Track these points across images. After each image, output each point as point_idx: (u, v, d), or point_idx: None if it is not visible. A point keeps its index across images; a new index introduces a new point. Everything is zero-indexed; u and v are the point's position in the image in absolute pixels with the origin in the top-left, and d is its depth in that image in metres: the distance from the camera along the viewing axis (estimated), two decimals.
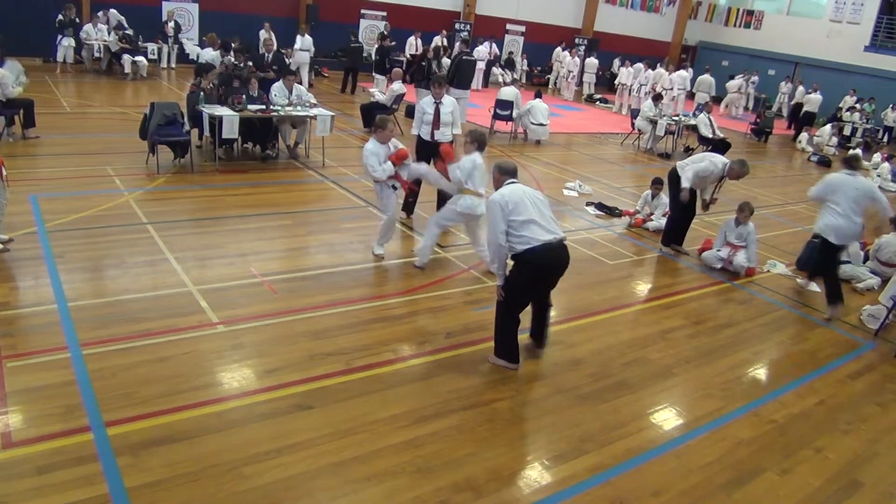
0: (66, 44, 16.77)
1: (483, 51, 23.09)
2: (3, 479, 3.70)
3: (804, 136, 20.32)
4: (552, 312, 5.98)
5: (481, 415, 4.89)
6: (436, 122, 8.48)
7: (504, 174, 5.51)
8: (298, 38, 18.54)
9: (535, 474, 4.34)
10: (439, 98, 8.50)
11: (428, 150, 8.54)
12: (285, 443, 4.29)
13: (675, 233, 9.05)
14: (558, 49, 25.90)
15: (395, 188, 7.39)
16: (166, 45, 18.87)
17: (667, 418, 5.20)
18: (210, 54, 14.33)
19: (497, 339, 5.56)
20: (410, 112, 16.48)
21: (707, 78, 22.37)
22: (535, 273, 5.30)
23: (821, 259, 7.76)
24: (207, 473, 3.94)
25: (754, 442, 5.01)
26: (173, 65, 19.19)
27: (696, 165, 8.47)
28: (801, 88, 24.15)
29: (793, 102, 24.43)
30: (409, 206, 8.95)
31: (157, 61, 18.87)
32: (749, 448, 4.92)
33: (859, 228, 7.57)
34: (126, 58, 17.12)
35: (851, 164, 7.71)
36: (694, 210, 8.92)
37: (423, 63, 16.09)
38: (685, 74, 22.13)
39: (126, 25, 17.97)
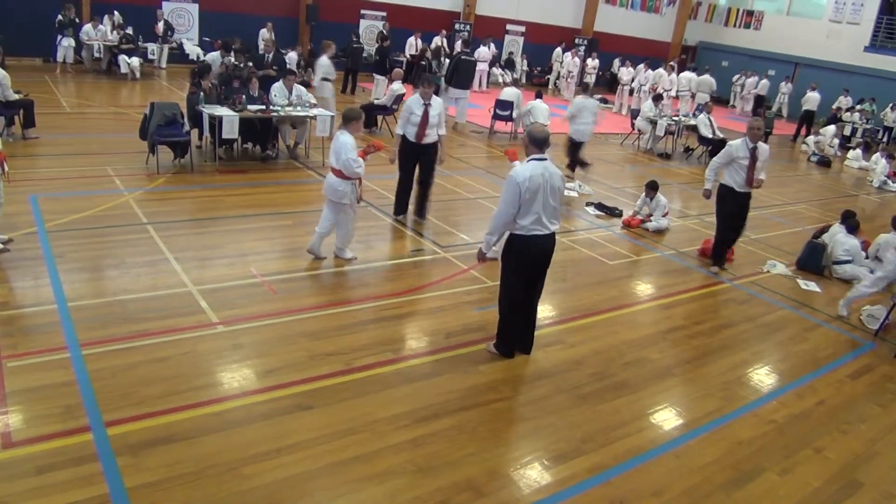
0: (66, 44, 16.74)
1: (485, 52, 23.04)
2: (3, 479, 3.70)
3: (811, 139, 20.29)
4: (540, 314, 5.97)
5: (482, 415, 4.89)
6: (424, 124, 8.28)
7: (533, 144, 5.37)
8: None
9: (536, 474, 4.35)
10: (428, 99, 8.28)
11: (415, 152, 8.46)
12: (285, 443, 4.29)
13: (717, 248, 8.59)
14: (558, 49, 25.90)
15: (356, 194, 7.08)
16: (157, 46, 18.83)
17: (667, 418, 5.20)
18: (211, 55, 14.33)
19: (499, 330, 5.73)
20: None
21: (707, 78, 22.36)
22: (522, 254, 5.42)
23: (572, 151, 12.53)
24: (207, 473, 3.94)
25: (754, 442, 5.01)
26: (163, 65, 19.10)
27: (714, 160, 8.39)
28: (765, 81, 25.89)
29: (755, 90, 26.03)
30: (421, 210, 8.90)
31: (157, 61, 18.88)
32: (749, 448, 4.92)
33: (592, 129, 12.59)
34: (122, 58, 17.11)
35: (586, 91, 13.26)
36: (736, 225, 8.42)
37: (423, 62, 16.08)
38: (689, 76, 22.12)
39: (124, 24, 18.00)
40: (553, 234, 5.43)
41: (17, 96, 10.40)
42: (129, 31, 17.77)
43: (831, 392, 5.95)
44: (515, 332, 5.72)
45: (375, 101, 14.49)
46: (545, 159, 5.36)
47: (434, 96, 8.42)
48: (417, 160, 8.57)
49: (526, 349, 5.85)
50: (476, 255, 5.72)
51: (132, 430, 4.23)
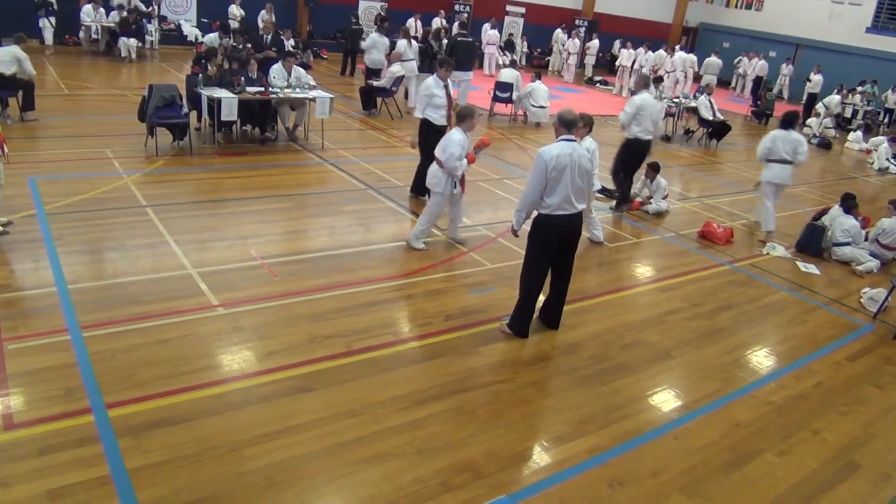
0: (43, 25, 16.53)
1: (494, 35, 22.78)
2: (4, 461, 3.72)
3: (813, 120, 20.23)
4: (539, 297, 6.00)
5: (481, 397, 4.91)
6: (449, 105, 8.37)
7: (562, 125, 5.54)
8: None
9: (535, 456, 4.37)
10: (445, 80, 8.39)
11: (439, 135, 8.38)
12: (286, 425, 4.31)
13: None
14: (558, 31, 25.75)
15: (454, 186, 7.30)
16: (151, 26, 18.71)
17: (665, 400, 5.22)
18: (209, 36, 14.25)
19: (515, 309, 5.80)
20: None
21: (714, 60, 22.26)
22: (548, 233, 5.55)
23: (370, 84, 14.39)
24: (208, 455, 3.96)
25: (752, 424, 5.03)
26: (156, 46, 18.97)
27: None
28: (762, 63, 25.70)
29: (754, 76, 25.81)
30: (421, 188, 8.86)
31: (152, 42, 18.76)
32: (747, 430, 4.95)
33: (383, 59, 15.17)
34: (122, 40, 16.99)
35: (383, 26, 15.32)
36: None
37: (422, 45, 15.96)
38: (684, 56, 22.01)
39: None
40: (580, 213, 5.58)
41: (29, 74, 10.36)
42: (139, 3, 17.61)
43: (829, 374, 5.98)
44: (532, 312, 5.82)
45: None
46: (573, 140, 5.51)
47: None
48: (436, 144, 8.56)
49: (554, 324, 6.02)
50: (509, 230, 5.96)
51: (133, 411, 4.25)
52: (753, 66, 25.89)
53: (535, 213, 5.61)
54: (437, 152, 7.19)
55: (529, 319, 5.83)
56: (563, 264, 5.79)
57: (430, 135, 8.44)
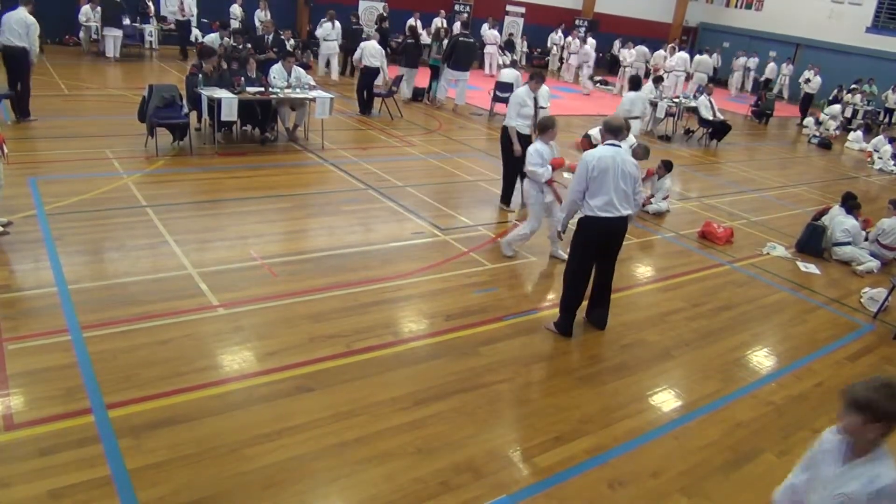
0: None
1: (494, 35, 22.77)
2: (5, 461, 3.72)
3: (810, 119, 20.24)
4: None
5: (481, 397, 4.91)
6: (536, 115, 8.54)
7: (608, 132, 5.77)
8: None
9: (535, 455, 4.36)
10: (536, 90, 8.64)
11: (525, 144, 8.52)
12: (286, 425, 4.31)
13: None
14: (553, 34, 25.76)
15: (543, 192, 7.36)
16: (149, 26, 18.67)
17: (666, 400, 5.22)
18: (209, 36, 14.24)
19: (560, 304, 5.98)
20: (416, 95, 16.44)
21: (705, 59, 22.26)
22: (589, 236, 5.71)
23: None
24: (209, 455, 3.96)
25: (753, 423, 5.03)
26: (156, 45, 18.93)
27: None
28: (772, 65, 26.19)
29: (752, 75, 26.79)
30: (507, 197, 9.08)
31: (151, 42, 18.75)
32: (747, 429, 4.95)
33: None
34: (106, 31, 16.89)
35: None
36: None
37: (411, 40, 16.06)
38: (685, 56, 22.01)
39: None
40: (624, 218, 5.65)
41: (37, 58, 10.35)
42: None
43: (830, 374, 5.98)
44: (575, 311, 5.92)
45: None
46: (619, 146, 5.67)
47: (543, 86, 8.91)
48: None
49: (601, 324, 6.12)
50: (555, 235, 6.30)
51: (134, 412, 4.25)
52: (743, 65, 26.05)
53: (580, 215, 5.74)
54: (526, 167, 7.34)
55: (573, 318, 5.93)
56: (604, 264, 5.91)
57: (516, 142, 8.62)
